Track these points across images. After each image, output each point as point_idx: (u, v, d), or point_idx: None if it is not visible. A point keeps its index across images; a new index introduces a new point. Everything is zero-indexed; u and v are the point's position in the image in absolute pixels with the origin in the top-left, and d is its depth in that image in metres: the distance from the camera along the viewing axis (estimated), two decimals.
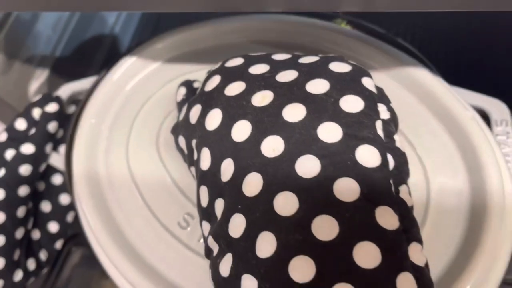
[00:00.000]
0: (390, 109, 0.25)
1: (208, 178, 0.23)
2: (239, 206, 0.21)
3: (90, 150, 0.33)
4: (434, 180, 0.28)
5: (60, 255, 0.40)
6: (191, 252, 0.29)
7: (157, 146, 0.33)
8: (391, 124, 0.24)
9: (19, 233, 0.32)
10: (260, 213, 0.20)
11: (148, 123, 0.34)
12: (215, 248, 0.22)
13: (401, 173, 0.22)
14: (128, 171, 0.32)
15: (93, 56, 0.46)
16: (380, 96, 0.24)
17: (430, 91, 0.30)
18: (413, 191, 0.27)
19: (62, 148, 0.35)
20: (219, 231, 0.21)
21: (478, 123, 0.28)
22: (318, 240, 0.19)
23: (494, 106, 0.30)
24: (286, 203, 0.20)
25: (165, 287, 0.27)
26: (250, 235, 0.20)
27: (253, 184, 0.21)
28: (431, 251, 0.24)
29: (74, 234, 0.38)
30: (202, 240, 0.29)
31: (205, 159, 0.23)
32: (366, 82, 0.23)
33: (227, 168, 0.22)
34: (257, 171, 0.21)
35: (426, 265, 0.20)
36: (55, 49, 0.44)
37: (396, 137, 0.24)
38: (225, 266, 0.21)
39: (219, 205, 0.22)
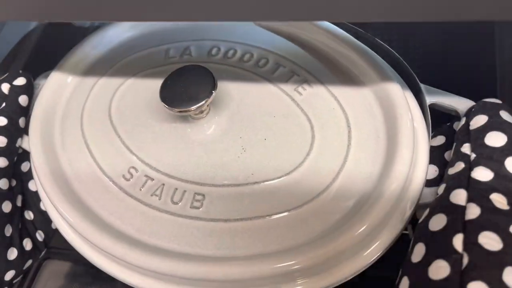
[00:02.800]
0: None
1: None
2: None
3: (46, 121, 0.35)
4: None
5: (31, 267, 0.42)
6: (132, 199, 0.30)
7: (109, 112, 0.35)
8: None
9: (6, 207, 0.33)
10: None
11: (103, 94, 0.36)
12: None
13: None
14: (81, 133, 0.34)
15: None
16: None
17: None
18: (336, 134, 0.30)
19: None
20: None
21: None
22: None
23: (465, 105, 0.31)
24: None
25: (106, 231, 0.29)
26: None
27: None
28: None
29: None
30: (143, 189, 0.31)
31: None
32: None
33: None
34: None
35: None
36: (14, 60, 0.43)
37: None
38: None
39: None
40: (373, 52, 0.33)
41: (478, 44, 0.38)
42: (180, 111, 0.29)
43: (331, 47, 0.33)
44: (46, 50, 0.44)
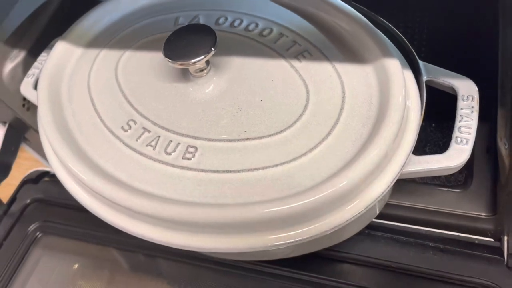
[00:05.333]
0: None
1: None
2: None
3: (55, 76, 0.36)
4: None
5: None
6: (128, 148, 0.31)
7: (116, 71, 0.36)
8: None
9: None
10: None
11: (113, 54, 0.37)
12: None
13: None
14: (87, 88, 0.35)
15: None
16: None
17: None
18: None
19: None
20: None
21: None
22: None
23: (462, 82, 0.32)
24: None
25: (100, 175, 0.30)
26: None
27: None
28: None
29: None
30: (139, 140, 0.32)
31: None
32: None
33: None
34: None
35: None
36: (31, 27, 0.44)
37: None
38: None
39: None
40: (375, 27, 0.33)
41: (480, 24, 0.39)
42: (181, 64, 0.30)
43: (335, 20, 0.34)
44: (63, 19, 0.45)
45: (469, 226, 0.39)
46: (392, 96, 0.29)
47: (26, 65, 0.43)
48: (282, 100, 0.31)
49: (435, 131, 0.44)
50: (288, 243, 0.27)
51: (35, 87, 0.37)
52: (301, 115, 0.30)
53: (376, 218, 0.40)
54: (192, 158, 0.30)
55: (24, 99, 0.43)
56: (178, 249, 0.40)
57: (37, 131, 0.39)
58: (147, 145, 0.31)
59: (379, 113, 0.29)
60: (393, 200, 0.39)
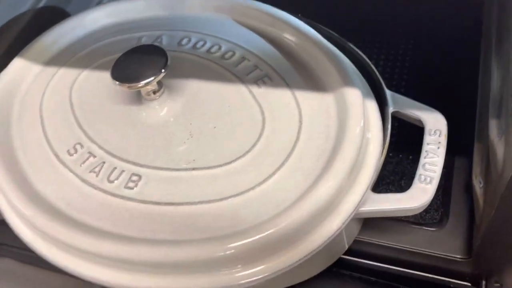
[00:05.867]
0: None
1: None
2: None
3: (10, 89, 0.35)
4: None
5: None
6: (71, 174, 0.29)
7: (70, 91, 0.34)
8: None
9: None
10: None
11: (69, 74, 0.36)
12: None
13: None
14: (39, 107, 0.34)
15: None
16: None
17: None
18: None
19: None
20: None
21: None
22: None
23: (430, 115, 0.30)
24: None
25: (37, 202, 0.28)
26: None
27: None
28: None
29: None
30: (83, 165, 0.30)
31: None
32: None
33: None
34: None
35: None
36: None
37: None
38: None
39: None
40: (341, 54, 0.32)
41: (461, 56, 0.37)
42: (129, 87, 0.28)
43: (299, 46, 0.32)
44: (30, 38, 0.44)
45: (444, 268, 0.36)
46: (348, 128, 0.27)
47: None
48: (237, 127, 0.29)
49: (410, 164, 0.42)
50: (227, 286, 0.25)
51: None
52: (254, 145, 0.28)
53: (346, 254, 0.37)
54: (135, 188, 0.28)
55: None
56: None
57: None
58: (90, 171, 0.29)
59: (335, 146, 0.27)
60: (363, 237, 0.37)
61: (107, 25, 0.39)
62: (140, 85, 0.28)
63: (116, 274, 0.25)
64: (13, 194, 0.28)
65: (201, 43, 0.35)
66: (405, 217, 0.38)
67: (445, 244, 0.36)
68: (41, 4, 0.47)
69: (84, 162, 0.30)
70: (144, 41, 0.36)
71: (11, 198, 0.28)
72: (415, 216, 0.38)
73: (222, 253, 0.24)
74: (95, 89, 0.34)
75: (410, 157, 0.42)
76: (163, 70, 0.28)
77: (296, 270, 0.32)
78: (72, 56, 0.37)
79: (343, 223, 0.25)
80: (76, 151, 0.31)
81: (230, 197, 0.26)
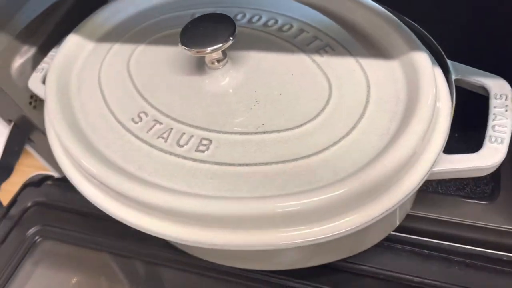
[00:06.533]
0: None
1: None
2: None
3: (64, 69, 0.35)
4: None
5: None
6: (138, 140, 0.30)
7: (128, 63, 0.35)
8: None
9: None
10: None
11: (126, 48, 0.36)
12: None
13: None
14: (97, 80, 0.34)
15: None
16: None
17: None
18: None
19: None
20: None
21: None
22: None
23: (494, 81, 0.30)
24: None
25: (107, 166, 0.28)
26: None
27: None
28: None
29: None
30: (150, 132, 0.30)
31: None
32: None
33: None
34: None
35: None
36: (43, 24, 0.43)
37: None
38: None
39: None
40: (400, 21, 0.32)
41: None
42: (198, 52, 0.29)
43: (357, 15, 0.33)
44: (76, 18, 0.44)
45: (496, 241, 0.36)
46: (422, 90, 0.27)
47: (36, 61, 0.41)
48: (303, 94, 0.30)
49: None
50: (307, 241, 0.25)
51: (44, 82, 0.36)
52: (323, 109, 0.29)
53: (396, 231, 0.38)
54: (206, 151, 0.28)
55: (31, 96, 0.42)
56: (180, 257, 0.38)
57: (43, 133, 0.37)
58: (158, 137, 0.30)
59: (407, 108, 0.27)
60: (414, 211, 0.37)
61: (158, 4, 0.39)
62: (208, 51, 0.29)
63: (195, 231, 0.25)
64: (83, 158, 0.28)
65: (256, 17, 0.35)
66: (456, 191, 0.39)
67: (497, 217, 0.36)
68: None
69: (150, 129, 0.30)
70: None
71: (81, 162, 0.28)
72: (465, 190, 0.39)
73: (304, 208, 0.24)
74: (153, 62, 0.34)
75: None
76: (231, 38, 0.29)
77: (352, 240, 0.33)
78: (125, 34, 0.37)
79: (420, 182, 0.26)
80: (141, 119, 0.31)
81: (304, 157, 0.27)
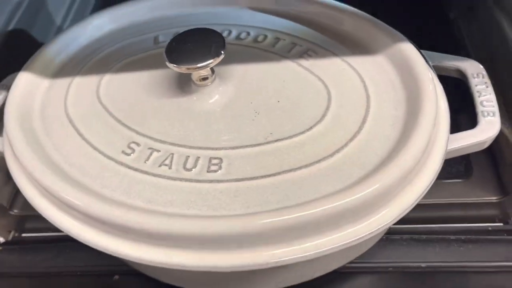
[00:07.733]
0: None
1: None
2: None
3: (24, 108, 0.31)
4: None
5: None
6: (137, 173, 0.27)
7: (97, 95, 0.32)
8: None
9: None
10: None
11: (88, 81, 0.33)
12: None
13: None
14: (66, 118, 0.30)
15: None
16: None
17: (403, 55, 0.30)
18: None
19: None
20: None
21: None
22: None
23: (467, 63, 0.32)
24: None
25: (115, 206, 0.25)
26: None
27: None
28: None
29: None
30: (149, 161, 0.27)
31: None
32: None
33: None
34: None
35: None
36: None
37: None
38: None
39: None
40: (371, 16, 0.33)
41: None
42: (188, 68, 0.27)
43: (328, 17, 0.33)
44: (15, 52, 0.40)
45: (477, 214, 0.39)
46: (420, 77, 0.28)
47: None
48: (302, 97, 0.29)
49: None
50: (353, 241, 0.24)
51: None
52: (327, 108, 0.28)
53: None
54: (219, 170, 0.26)
55: None
56: None
57: None
58: (160, 165, 0.27)
59: (409, 96, 0.28)
60: None
61: (113, 30, 0.37)
62: (199, 66, 0.27)
63: (220, 256, 0.23)
64: (91, 206, 0.25)
65: (226, 32, 0.35)
66: None
67: (475, 191, 0.38)
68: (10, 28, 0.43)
69: (148, 158, 0.28)
70: (161, 39, 0.35)
71: (90, 211, 0.25)
72: (443, 173, 0.41)
73: (348, 205, 0.23)
74: (127, 90, 0.32)
75: None
76: (222, 52, 0.28)
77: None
78: (84, 64, 0.34)
79: (442, 162, 0.26)
80: (133, 150, 0.28)
81: (326, 157, 0.26)
